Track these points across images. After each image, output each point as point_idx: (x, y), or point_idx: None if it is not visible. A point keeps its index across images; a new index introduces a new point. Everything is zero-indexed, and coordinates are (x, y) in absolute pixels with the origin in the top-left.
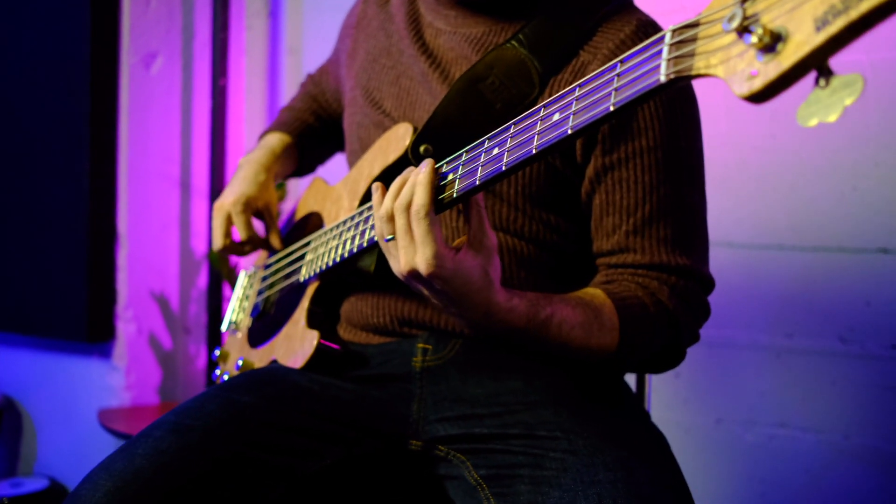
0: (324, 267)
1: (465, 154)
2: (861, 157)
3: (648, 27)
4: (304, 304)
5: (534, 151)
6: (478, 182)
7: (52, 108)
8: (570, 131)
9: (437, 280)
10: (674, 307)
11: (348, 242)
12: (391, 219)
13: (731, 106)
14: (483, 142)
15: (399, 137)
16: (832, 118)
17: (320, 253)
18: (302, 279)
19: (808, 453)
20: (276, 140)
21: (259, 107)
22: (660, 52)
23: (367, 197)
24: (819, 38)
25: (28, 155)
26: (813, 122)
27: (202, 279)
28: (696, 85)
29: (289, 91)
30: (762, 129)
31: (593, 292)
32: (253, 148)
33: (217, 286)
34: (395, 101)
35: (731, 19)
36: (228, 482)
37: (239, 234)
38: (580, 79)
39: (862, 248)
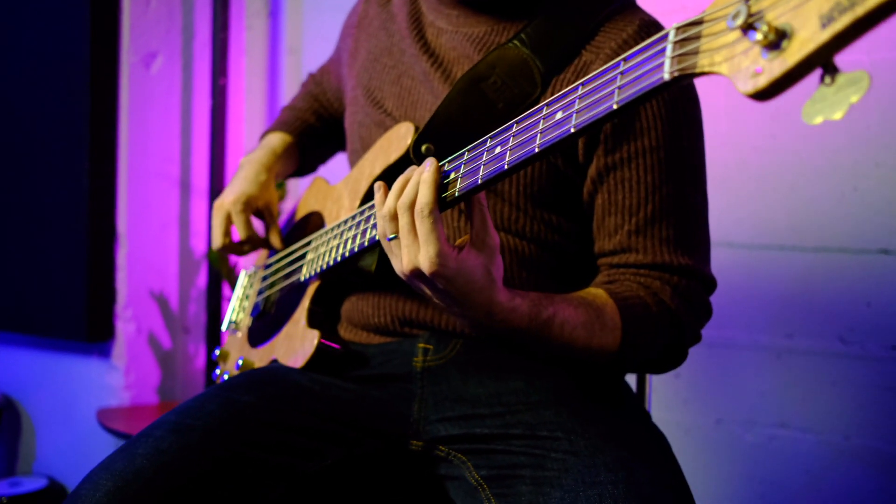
0: (325, 266)
1: (466, 153)
2: (861, 157)
3: (651, 27)
4: (305, 303)
5: (536, 150)
6: (480, 181)
7: (52, 107)
8: (573, 130)
9: (439, 279)
10: (676, 307)
11: (349, 242)
12: (394, 217)
13: (731, 106)
14: (485, 140)
15: (401, 137)
16: (838, 116)
17: (321, 252)
18: (302, 278)
19: (809, 454)
20: (278, 140)
21: (259, 107)
22: (663, 49)
23: (368, 196)
24: (825, 35)
25: (28, 154)
26: (818, 120)
27: (202, 279)
28: (696, 85)
29: (289, 91)
30: (762, 129)
31: (595, 292)
32: (254, 148)
33: (216, 286)
34: (397, 100)
35: (735, 16)
36: (229, 482)
37: (238, 233)
38: (582, 78)
39: (862, 248)
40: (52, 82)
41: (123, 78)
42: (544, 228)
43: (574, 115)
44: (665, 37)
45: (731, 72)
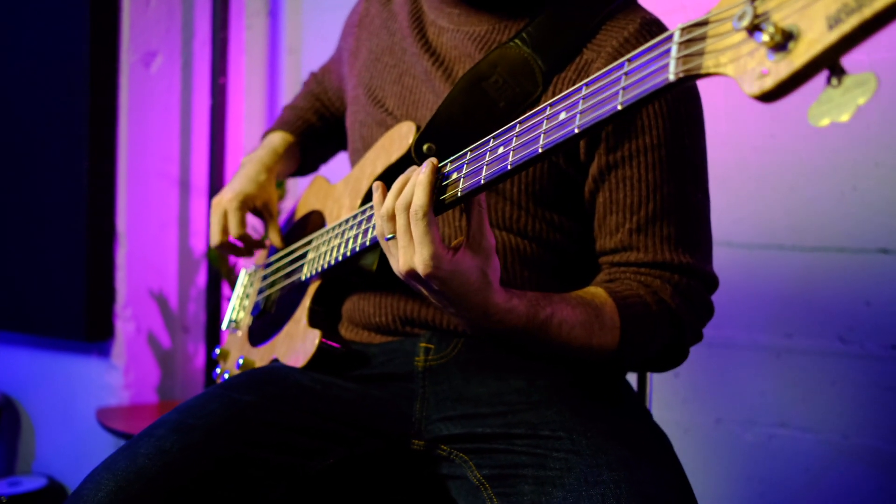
0: (326, 266)
1: (469, 153)
2: (861, 157)
3: (652, 25)
4: (306, 302)
5: (540, 151)
6: (482, 181)
7: (52, 106)
8: (576, 130)
9: (434, 280)
10: (676, 306)
11: (351, 241)
12: (392, 218)
13: (731, 106)
14: (488, 141)
15: (402, 136)
16: (845, 118)
17: (322, 251)
18: (303, 278)
19: (808, 453)
20: (279, 139)
21: (258, 106)
22: (668, 50)
23: (369, 196)
24: (832, 37)
25: (27, 154)
26: (825, 122)
27: (201, 278)
28: (696, 84)
29: (288, 90)
30: (762, 129)
31: (594, 291)
32: (254, 147)
33: (216, 285)
34: (398, 99)
35: (741, 17)
36: (230, 482)
37: (231, 229)
38: (584, 77)
39: (862, 248)
40: (51, 81)
41: (123, 77)
42: (545, 227)
43: (578, 115)
44: (670, 37)
45: (736, 73)
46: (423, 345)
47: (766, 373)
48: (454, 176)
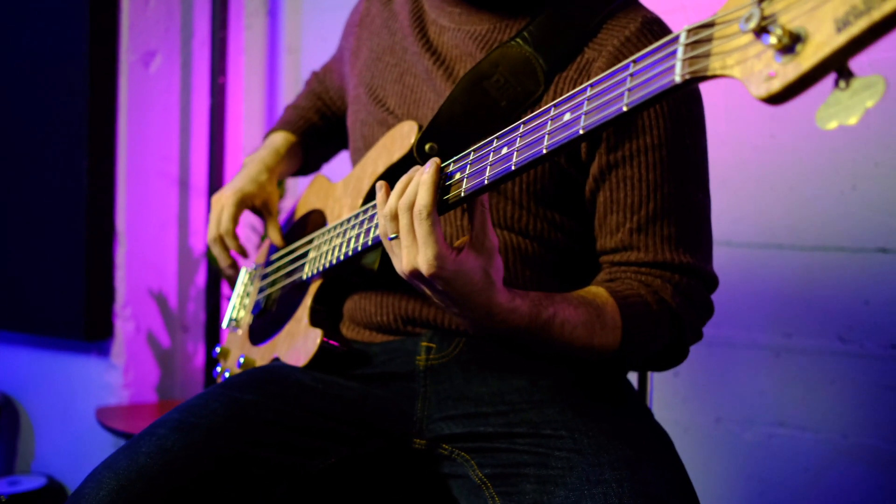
0: (327, 265)
1: (472, 153)
2: (861, 157)
3: (654, 24)
4: (307, 301)
5: (544, 151)
6: (486, 182)
7: (51, 106)
8: (581, 131)
9: (437, 280)
10: (677, 305)
11: (353, 240)
12: (395, 217)
13: (731, 106)
14: (491, 141)
15: (404, 135)
16: (853, 120)
17: (324, 251)
18: (305, 277)
19: (807, 452)
20: (281, 139)
21: (258, 105)
22: (674, 52)
23: (370, 195)
24: (840, 39)
25: (27, 153)
26: (833, 125)
27: (200, 277)
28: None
29: (288, 90)
30: (762, 128)
31: (596, 291)
32: (254, 147)
33: (215, 284)
34: (399, 98)
35: (748, 19)
36: (232, 481)
37: (222, 223)
38: (585, 76)
39: (861, 247)
40: (51, 81)
41: (122, 77)
42: (547, 226)
43: (583, 116)
44: (676, 39)
45: (743, 75)
46: (424, 344)
47: (766, 372)
48: (457, 176)
